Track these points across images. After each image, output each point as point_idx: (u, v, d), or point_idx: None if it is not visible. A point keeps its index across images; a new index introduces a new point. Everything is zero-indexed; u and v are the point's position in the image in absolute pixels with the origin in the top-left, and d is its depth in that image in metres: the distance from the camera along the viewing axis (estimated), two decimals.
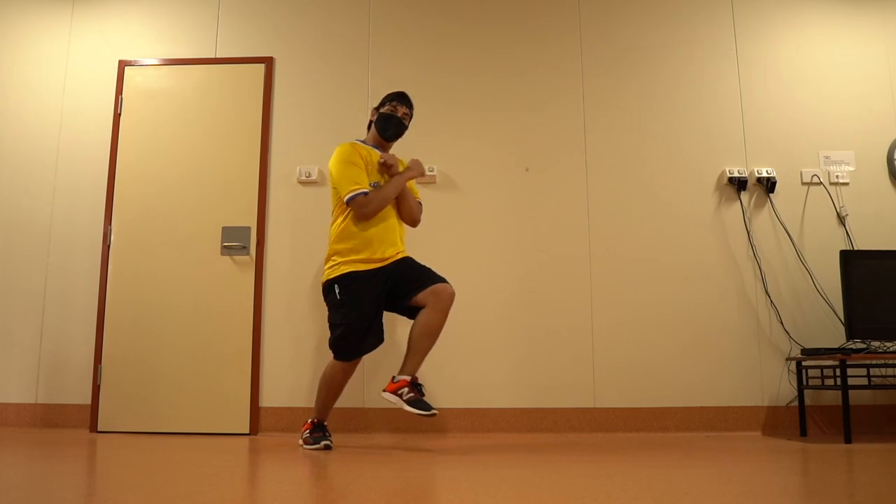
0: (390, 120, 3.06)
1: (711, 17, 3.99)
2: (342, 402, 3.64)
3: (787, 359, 3.63)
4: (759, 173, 3.79)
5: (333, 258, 2.95)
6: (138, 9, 4.10)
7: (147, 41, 4.05)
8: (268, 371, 3.69)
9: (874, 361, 3.42)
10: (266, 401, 3.67)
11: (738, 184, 3.78)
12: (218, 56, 4.00)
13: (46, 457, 2.51)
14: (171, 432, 3.63)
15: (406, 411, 2.75)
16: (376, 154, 3.03)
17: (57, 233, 3.90)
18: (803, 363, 3.48)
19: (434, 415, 2.74)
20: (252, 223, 3.81)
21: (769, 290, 3.71)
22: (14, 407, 3.75)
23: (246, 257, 3.79)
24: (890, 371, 3.57)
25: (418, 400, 2.76)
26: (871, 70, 3.93)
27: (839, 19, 3.99)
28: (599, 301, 3.72)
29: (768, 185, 3.78)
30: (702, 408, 3.61)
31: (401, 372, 2.85)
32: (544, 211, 3.80)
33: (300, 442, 3.04)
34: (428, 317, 2.83)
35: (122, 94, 3.97)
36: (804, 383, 3.46)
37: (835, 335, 3.64)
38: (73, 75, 4.04)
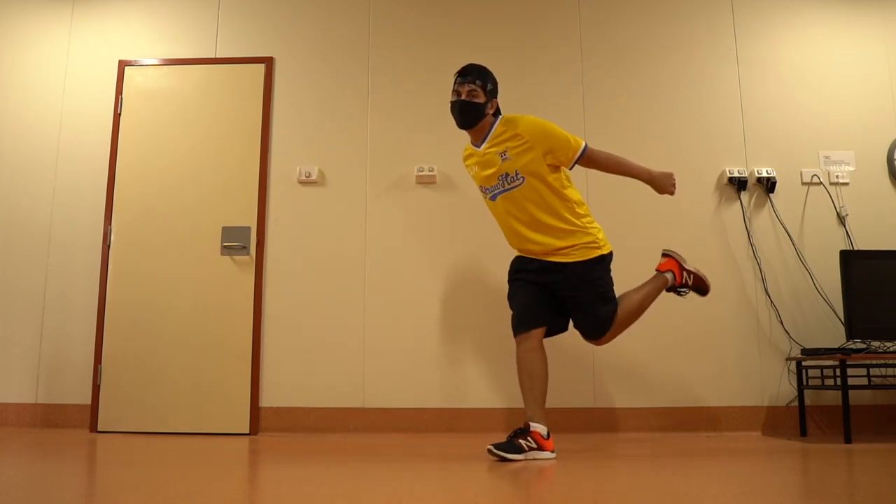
0: (454, 107, 2.74)
1: (711, 17, 3.98)
2: (343, 401, 3.65)
3: (787, 359, 3.62)
4: (759, 173, 3.79)
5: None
6: (138, 9, 4.10)
7: (147, 41, 4.05)
8: (268, 371, 3.69)
9: (874, 361, 3.42)
10: (266, 401, 3.67)
11: (738, 184, 3.78)
12: (218, 56, 4.00)
13: (46, 457, 2.51)
14: (171, 432, 3.63)
15: None
16: (476, 154, 2.79)
17: (57, 233, 3.90)
18: (803, 363, 3.48)
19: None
20: (252, 223, 3.81)
21: (769, 290, 3.71)
22: (14, 407, 3.75)
23: (246, 257, 3.79)
24: (890, 371, 3.57)
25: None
26: (871, 70, 3.93)
27: (839, 19, 3.99)
28: None
29: (768, 185, 3.78)
30: (702, 408, 3.61)
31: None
32: None
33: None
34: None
35: (122, 94, 3.97)
36: (804, 383, 3.46)
37: (835, 335, 3.64)
38: (73, 75, 4.04)
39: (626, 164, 2.83)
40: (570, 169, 2.76)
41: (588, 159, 2.75)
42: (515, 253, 2.86)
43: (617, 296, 2.82)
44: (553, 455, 2.61)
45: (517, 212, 2.72)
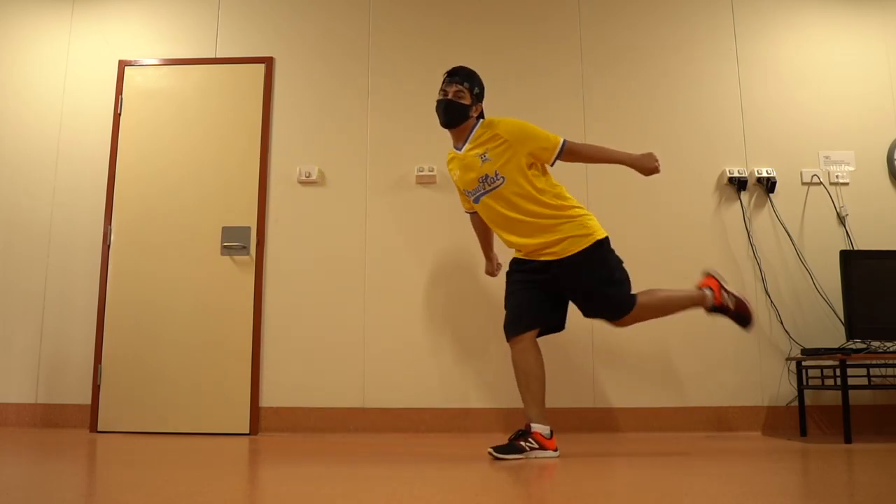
0: (439, 105, 2.76)
1: (711, 17, 3.98)
2: (343, 401, 3.65)
3: (787, 359, 3.62)
4: (759, 173, 3.79)
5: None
6: (138, 9, 4.10)
7: (147, 41, 4.05)
8: (268, 371, 3.69)
9: (874, 361, 3.42)
10: (266, 401, 3.67)
11: (738, 184, 3.78)
12: (218, 56, 4.00)
13: (46, 457, 2.51)
14: (171, 432, 3.63)
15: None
16: (457, 158, 2.80)
17: (57, 233, 3.90)
18: (803, 363, 3.48)
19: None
20: (252, 223, 3.81)
21: (769, 290, 3.71)
22: (14, 407, 3.75)
23: (246, 257, 3.79)
24: (890, 371, 3.57)
25: (741, 315, 2.80)
26: (871, 70, 3.93)
27: (839, 19, 3.99)
28: None
29: (768, 185, 3.78)
30: (702, 408, 3.61)
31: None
32: None
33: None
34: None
35: (122, 94, 3.97)
36: (804, 383, 3.46)
37: (835, 335, 3.64)
38: (73, 75, 4.04)
39: (607, 152, 2.82)
40: (552, 165, 2.76)
41: (569, 153, 2.73)
42: (513, 253, 2.84)
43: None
44: (556, 454, 2.62)
45: (503, 209, 2.70)
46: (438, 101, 2.77)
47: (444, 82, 2.79)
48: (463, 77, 2.77)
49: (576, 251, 2.64)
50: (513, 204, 2.68)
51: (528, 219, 2.67)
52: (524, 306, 2.72)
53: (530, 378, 2.68)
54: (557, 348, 3.66)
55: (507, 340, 2.75)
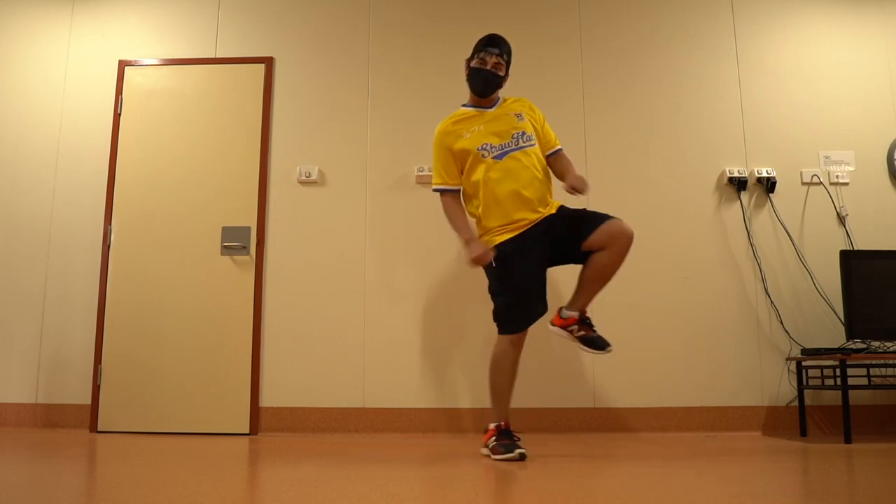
0: (479, 74, 2.78)
1: (711, 17, 3.98)
2: (343, 401, 3.65)
3: (787, 359, 3.63)
4: (759, 173, 3.79)
5: (481, 228, 2.79)
6: (138, 9, 4.10)
7: (147, 41, 4.05)
8: (268, 371, 3.69)
9: (874, 361, 3.42)
10: (266, 401, 3.67)
11: (738, 184, 3.78)
12: (218, 56, 4.00)
13: (46, 457, 2.51)
14: (171, 432, 3.63)
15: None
16: (481, 115, 2.82)
17: (57, 233, 3.90)
18: (803, 363, 3.48)
19: (610, 351, 2.64)
20: (252, 223, 3.81)
21: (769, 290, 3.71)
22: (14, 407, 3.75)
23: (246, 257, 3.79)
24: (890, 371, 3.57)
25: (591, 337, 2.65)
26: (871, 70, 3.93)
27: (839, 19, 3.99)
28: (599, 301, 3.71)
29: (768, 185, 3.78)
30: (702, 408, 3.61)
31: (570, 306, 2.71)
32: None
33: (485, 452, 2.70)
34: (608, 258, 2.60)
35: (122, 94, 3.97)
36: (804, 383, 3.46)
37: (835, 335, 3.64)
38: (73, 75, 4.04)
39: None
40: (546, 154, 2.89)
41: (559, 156, 2.91)
42: (506, 235, 2.75)
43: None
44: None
45: (530, 165, 2.74)
46: (477, 70, 2.79)
47: (483, 51, 2.80)
48: (503, 48, 2.83)
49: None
50: (535, 166, 2.77)
51: (541, 184, 2.77)
52: (535, 293, 2.68)
53: (515, 375, 2.71)
54: (557, 348, 3.66)
55: (513, 333, 2.67)
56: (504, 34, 3.97)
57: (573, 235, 2.67)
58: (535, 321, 2.69)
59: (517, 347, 2.68)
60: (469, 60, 2.84)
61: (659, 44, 3.97)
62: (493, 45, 2.80)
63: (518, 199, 2.70)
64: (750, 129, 3.87)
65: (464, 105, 2.91)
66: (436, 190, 2.84)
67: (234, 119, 3.92)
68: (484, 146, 2.75)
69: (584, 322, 2.70)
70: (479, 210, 2.76)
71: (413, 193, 3.83)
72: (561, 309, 2.74)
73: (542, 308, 2.70)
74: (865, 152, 3.84)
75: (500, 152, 2.74)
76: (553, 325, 2.74)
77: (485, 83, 2.79)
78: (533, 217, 2.71)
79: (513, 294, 2.66)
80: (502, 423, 2.68)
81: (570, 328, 2.69)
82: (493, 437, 2.65)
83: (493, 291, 2.73)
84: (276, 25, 4.03)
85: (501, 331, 2.70)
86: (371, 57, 3.98)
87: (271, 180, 3.88)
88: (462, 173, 2.83)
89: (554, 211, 2.76)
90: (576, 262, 2.74)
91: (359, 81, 3.96)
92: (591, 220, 2.66)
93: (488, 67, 2.78)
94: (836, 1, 4.01)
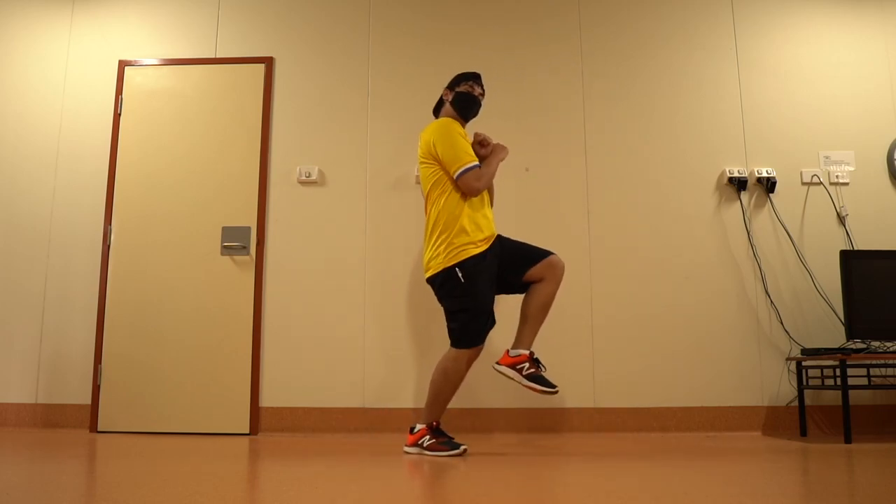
0: (474, 100, 2.97)
1: (711, 17, 3.99)
2: (343, 401, 3.65)
3: (787, 359, 3.63)
4: (759, 173, 3.79)
5: (452, 241, 2.77)
6: (138, 9, 4.10)
7: (147, 41, 4.06)
8: (268, 371, 3.69)
9: (874, 361, 3.42)
10: (266, 401, 3.67)
11: (738, 184, 3.78)
12: (218, 56, 4.00)
13: (46, 457, 2.51)
14: (171, 432, 3.63)
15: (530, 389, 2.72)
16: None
17: (57, 233, 3.90)
18: (803, 363, 3.48)
19: (556, 392, 2.70)
20: (252, 223, 3.81)
21: (769, 290, 3.71)
22: (14, 407, 3.75)
23: (246, 257, 3.79)
24: (890, 371, 3.57)
25: (539, 376, 2.70)
26: (871, 70, 3.93)
27: (839, 19, 3.99)
28: (599, 301, 3.72)
29: (768, 185, 3.78)
30: (702, 408, 3.61)
31: (517, 345, 2.76)
32: (544, 211, 3.80)
33: (418, 451, 2.78)
34: (548, 289, 2.79)
35: (122, 94, 3.97)
36: (804, 383, 3.46)
37: (835, 335, 3.64)
38: (73, 75, 4.04)
39: (492, 165, 2.96)
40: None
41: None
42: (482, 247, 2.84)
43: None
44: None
45: (483, 193, 2.94)
46: (474, 97, 2.98)
47: (475, 82, 3.00)
48: (483, 88, 3.08)
49: None
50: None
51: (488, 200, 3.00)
52: (490, 307, 2.81)
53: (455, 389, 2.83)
54: (557, 348, 3.66)
55: (476, 346, 2.78)
56: (504, 34, 4.01)
57: (520, 262, 2.84)
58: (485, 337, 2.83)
59: (472, 361, 2.80)
60: (454, 87, 2.98)
61: (659, 44, 3.97)
62: (480, 80, 3.02)
63: (489, 214, 2.91)
64: (750, 129, 3.87)
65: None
66: (467, 170, 2.78)
67: (234, 119, 3.92)
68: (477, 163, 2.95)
69: (535, 361, 2.75)
70: (453, 214, 2.81)
71: (413, 193, 3.83)
72: (508, 350, 2.80)
73: (492, 322, 2.83)
74: (865, 152, 3.84)
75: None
76: (500, 364, 2.78)
77: (477, 109, 3.00)
78: (493, 233, 2.87)
79: (476, 309, 2.77)
80: (434, 423, 2.81)
81: (519, 366, 2.73)
82: (427, 436, 2.78)
83: (457, 309, 2.78)
84: (276, 25, 4.03)
85: (468, 345, 2.76)
86: (371, 57, 3.98)
87: (271, 180, 3.88)
88: None
89: (497, 235, 2.91)
90: (515, 290, 2.90)
91: (359, 81, 3.96)
92: (535, 252, 2.85)
93: (476, 94, 2.98)
94: (836, 1, 4.01)
